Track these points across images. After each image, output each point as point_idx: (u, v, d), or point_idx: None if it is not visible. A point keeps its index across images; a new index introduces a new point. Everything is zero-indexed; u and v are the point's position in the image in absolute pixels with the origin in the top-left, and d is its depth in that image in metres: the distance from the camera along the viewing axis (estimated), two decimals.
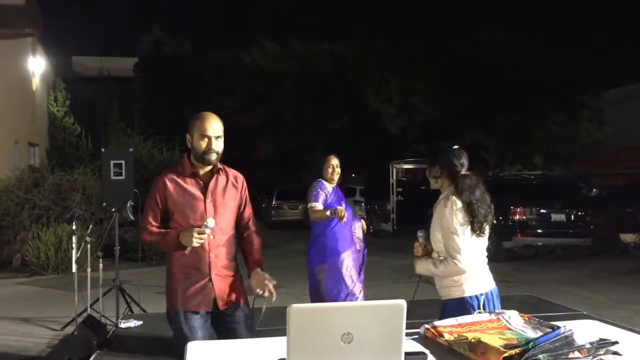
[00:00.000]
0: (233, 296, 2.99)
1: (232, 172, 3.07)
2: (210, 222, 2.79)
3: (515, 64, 19.18)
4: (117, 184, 6.39)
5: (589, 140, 20.18)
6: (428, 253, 3.14)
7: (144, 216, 3.03)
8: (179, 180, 2.96)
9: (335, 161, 4.93)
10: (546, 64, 19.24)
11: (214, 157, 2.92)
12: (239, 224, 3.10)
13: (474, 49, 20.26)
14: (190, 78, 25.31)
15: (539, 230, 11.86)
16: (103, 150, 6.87)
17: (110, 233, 6.54)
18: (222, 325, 2.99)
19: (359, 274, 4.98)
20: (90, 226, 6.38)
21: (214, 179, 2.97)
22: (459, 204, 2.96)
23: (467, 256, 2.93)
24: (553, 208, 12.02)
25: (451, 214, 2.94)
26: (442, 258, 2.98)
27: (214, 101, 24.52)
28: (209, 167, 2.98)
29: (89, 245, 6.08)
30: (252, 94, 23.99)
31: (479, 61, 19.59)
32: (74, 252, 6.12)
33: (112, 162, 6.44)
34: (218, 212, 2.93)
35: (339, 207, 4.62)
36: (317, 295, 4.82)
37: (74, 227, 6.17)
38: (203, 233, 2.77)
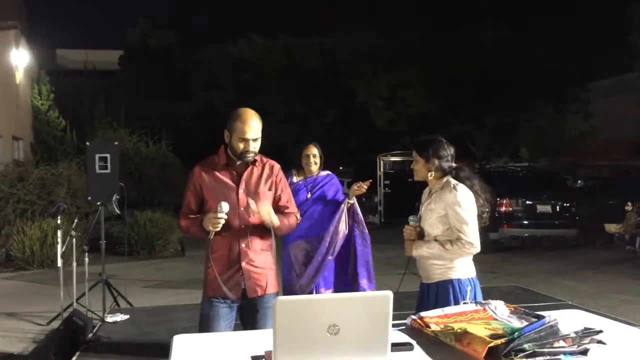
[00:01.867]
0: (263, 286, 3.01)
1: (268, 162, 3.11)
2: (225, 206, 2.85)
3: (502, 57, 19.24)
4: (102, 178, 6.34)
5: (576, 132, 20.31)
6: (420, 237, 3.19)
7: (183, 204, 3.11)
8: (214, 171, 3.03)
9: (312, 150, 4.67)
10: (534, 57, 19.31)
11: (250, 157, 2.98)
12: (276, 212, 3.10)
13: (463, 42, 20.29)
14: (177, 71, 25.16)
15: (525, 222, 11.94)
16: (88, 143, 6.81)
17: (97, 227, 6.49)
18: (250, 316, 3.01)
19: (310, 278, 4.54)
20: (76, 220, 6.32)
21: (248, 169, 3.02)
22: (466, 188, 3.08)
23: (477, 234, 3.03)
24: (539, 199, 12.11)
25: (463, 196, 3.04)
26: (452, 239, 3.02)
27: (201, 95, 24.46)
28: (244, 159, 3.02)
29: (74, 240, 6.03)
30: (240, 87, 23.89)
31: (467, 55, 19.63)
32: (59, 246, 6.07)
33: (97, 156, 6.39)
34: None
35: None
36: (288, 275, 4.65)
37: (59, 222, 6.12)
38: (219, 218, 2.84)
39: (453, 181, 3.12)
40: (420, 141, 3.23)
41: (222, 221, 2.85)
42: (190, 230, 3.04)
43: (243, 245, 2.97)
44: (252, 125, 2.93)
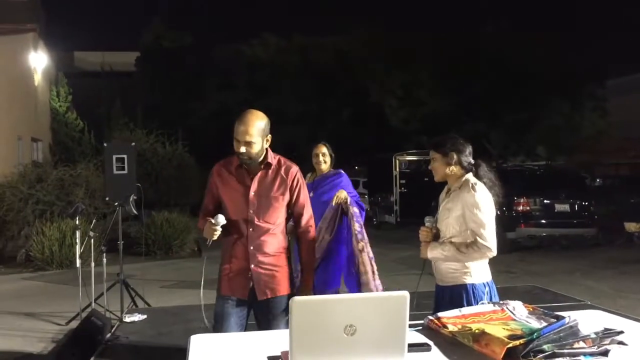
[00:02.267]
0: (274, 288, 2.99)
1: (285, 165, 3.05)
2: (220, 219, 2.86)
3: (518, 54, 19.08)
4: (119, 179, 6.39)
5: (593, 130, 20.09)
6: (435, 238, 3.15)
7: (202, 204, 3.14)
8: (229, 172, 3.03)
9: (321, 149, 4.73)
10: (549, 54, 19.13)
11: (245, 159, 2.93)
12: (294, 217, 3.11)
13: (477, 40, 20.16)
14: (192, 72, 25.29)
15: (543, 221, 11.83)
16: (105, 144, 6.87)
17: (114, 227, 6.54)
18: (263, 317, 3.01)
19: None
20: (94, 221, 6.38)
21: (262, 172, 3.00)
22: (485, 188, 3.04)
23: (494, 238, 2.98)
24: (557, 198, 11.99)
25: (482, 197, 2.99)
26: (468, 242, 2.98)
27: (216, 95, 24.57)
28: (257, 162, 2.99)
29: (92, 240, 6.08)
30: (254, 87, 23.96)
31: (481, 52, 19.50)
32: (77, 247, 6.13)
33: (114, 157, 6.44)
34: (262, 205, 2.96)
35: None
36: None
37: (77, 222, 6.18)
38: (214, 228, 2.85)
39: (472, 180, 3.06)
40: (437, 139, 3.20)
41: (218, 232, 2.87)
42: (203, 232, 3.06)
43: (252, 247, 2.95)
44: (246, 128, 2.88)
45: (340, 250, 4.65)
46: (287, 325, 2.89)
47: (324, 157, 4.72)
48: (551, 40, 19.68)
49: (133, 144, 7.05)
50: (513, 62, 18.91)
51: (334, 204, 4.56)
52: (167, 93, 24.60)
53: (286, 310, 2.93)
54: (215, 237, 2.88)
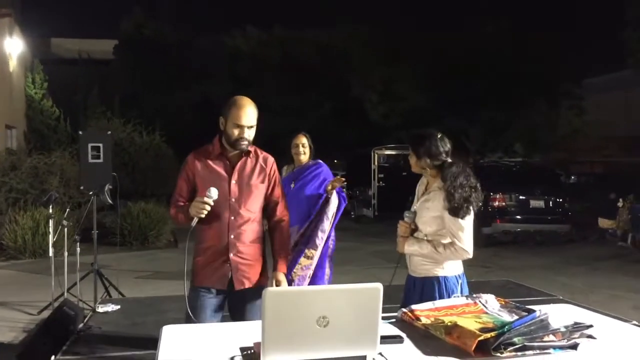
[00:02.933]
0: (251, 278, 2.99)
1: (262, 154, 3.08)
2: (214, 192, 2.81)
3: (497, 53, 19.23)
4: (95, 168, 6.30)
5: (569, 128, 20.36)
6: (413, 233, 3.17)
7: (174, 192, 3.07)
8: (207, 160, 3.00)
9: (301, 140, 4.68)
10: (528, 53, 19.32)
11: (245, 145, 2.94)
12: (267, 207, 3.10)
13: (457, 37, 20.27)
14: (173, 62, 25.04)
15: (518, 217, 11.98)
16: (81, 133, 6.76)
17: (89, 217, 6.46)
18: (238, 308, 3.00)
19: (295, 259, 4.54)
20: (68, 210, 6.29)
21: (242, 160, 2.99)
22: None
23: (471, 240, 2.99)
24: (532, 195, 12.14)
25: None
26: (445, 242, 2.97)
27: (196, 86, 24.36)
28: (237, 150, 2.99)
29: (66, 229, 6.00)
30: (235, 79, 23.81)
31: (461, 50, 19.61)
32: (50, 236, 6.05)
33: (90, 145, 6.34)
34: (243, 193, 2.96)
35: None
36: None
37: (50, 211, 6.09)
38: (206, 203, 2.79)
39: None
40: (415, 136, 3.16)
41: (208, 208, 2.81)
42: (179, 218, 3.00)
43: (232, 236, 2.94)
44: (248, 112, 2.91)
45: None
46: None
47: (304, 148, 4.66)
48: (530, 39, 19.86)
49: (109, 132, 6.95)
50: (492, 60, 19.06)
51: (330, 188, 4.56)
52: (146, 83, 24.31)
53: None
54: (203, 214, 2.81)
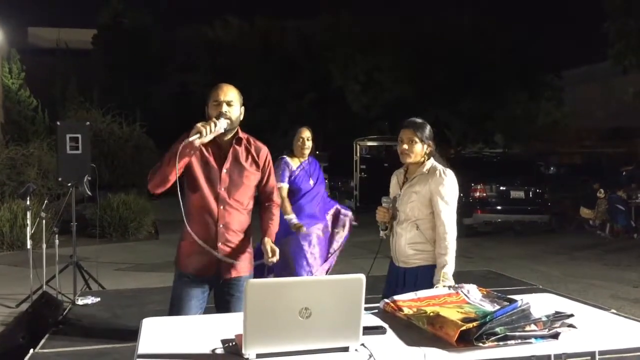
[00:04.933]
0: (239, 268, 2.95)
1: (254, 144, 3.00)
2: (223, 122, 2.76)
3: (478, 43, 19.30)
4: (73, 159, 6.21)
5: (549, 119, 20.54)
6: (392, 218, 3.20)
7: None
8: (202, 147, 2.88)
9: (306, 133, 4.63)
10: (508, 43, 19.42)
11: (227, 121, 2.83)
12: (261, 196, 3.08)
13: (438, 27, 20.31)
14: (152, 52, 24.77)
15: (499, 207, 12.08)
16: (59, 123, 6.65)
17: (68, 209, 6.37)
18: (223, 297, 2.96)
19: (324, 257, 4.69)
20: (46, 201, 6.20)
21: (232, 149, 2.92)
22: (452, 174, 3.11)
23: (455, 225, 3.09)
24: (512, 185, 12.25)
25: (454, 184, 3.07)
26: (448, 247, 3.00)
27: (177, 76, 24.15)
28: (230, 135, 2.92)
29: (44, 221, 5.92)
30: (215, 69, 23.62)
31: (442, 40, 19.65)
32: (28, 228, 5.97)
33: (68, 136, 6.24)
34: (233, 183, 2.91)
35: (296, 224, 4.39)
36: (283, 268, 4.53)
37: (28, 203, 6.00)
38: (214, 123, 2.72)
39: (440, 166, 3.12)
40: (418, 122, 3.17)
41: (214, 128, 2.72)
42: (160, 171, 2.79)
43: (221, 225, 2.90)
44: (224, 88, 2.88)
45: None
46: None
47: (309, 142, 4.64)
48: (510, 29, 19.97)
49: (88, 123, 6.83)
50: (473, 50, 19.13)
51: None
52: (126, 73, 24.03)
53: None
54: (207, 134, 2.68)
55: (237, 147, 2.94)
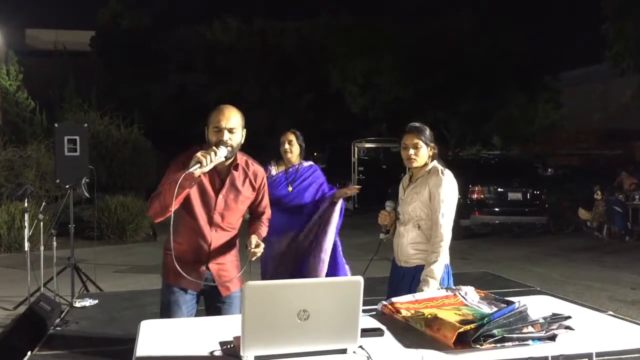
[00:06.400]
0: (233, 282, 2.95)
1: (252, 167, 2.93)
2: (223, 151, 2.65)
3: (476, 45, 19.32)
4: (71, 160, 6.20)
5: (547, 121, 20.57)
6: (394, 222, 3.24)
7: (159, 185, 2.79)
8: None
9: (288, 137, 4.34)
10: (507, 45, 19.44)
11: (227, 150, 2.72)
12: (253, 214, 3.06)
13: (437, 29, 20.32)
14: (150, 53, 24.74)
15: (496, 209, 12.09)
16: (57, 125, 6.65)
17: (65, 211, 6.37)
18: (215, 308, 2.95)
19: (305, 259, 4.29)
20: (43, 203, 6.19)
21: (230, 174, 2.85)
22: (451, 174, 3.14)
23: (451, 224, 3.11)
24: (510, 187, 12.26)
25: (452, 184, 3.09)
26: (439, 244, 3.01)
27: (175, 77, 24.13)
28: (229, 162, 2.83)
29: (42, 223, 5.91)
30: (214, 71, 23.62)
31: (441, 42, 19.67)
32: (26, 230, 5.96)
33: (66, 138, 6.23)
34: (228, 208, 2.86)
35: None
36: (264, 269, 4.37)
37: (26, 205, 5.99)
38: (214, 152, 2.60)
39: (440, 166, 3.16)
40: (420, 126, 3.20)
41: (214, 158, 2.60)
42: (160, 199, 2.69)
43: (212, 247, 2.88)
44: (227, 114, 2.73)
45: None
46: (239, 312, 2.89)
47: (291, 146, 4.33)
48: (509, 31, 19.98)
49: (85, 125, 6.83)
50: (472, 52, 19.15)
51: (338, 195, 4.42)
52: (124, 74, 24.01)
53: (238, 303, 2.92)
54: (208, 164, 2.56)
55: (234, 172, 2.87)
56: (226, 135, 2.71)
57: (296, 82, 23.09)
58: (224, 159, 2.70)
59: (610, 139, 22.04)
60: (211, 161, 2.59)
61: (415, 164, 3.17)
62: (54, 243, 5.96)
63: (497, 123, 19.92)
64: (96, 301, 5.53)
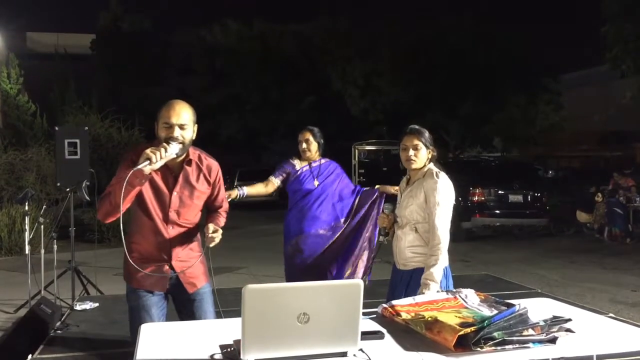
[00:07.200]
0: (199, 279, 2.92)
1: (206, 162, 2.88)
2: (174, 147, 2.60)
3: (476, 47, 19.33)
4: (72, 164, 6.21)
5: (547, 123, 20.57)
6: (392, 225, 3.25)
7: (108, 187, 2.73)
8: None
9: (305, 136, 4.47)
10: (507, 47, 19.44)
11: (179, 146, 2.66)
12: (210, 208, 3.01)
13: (437, 31, 20.33)
14: (151, 56, 24.79)
15: (497, 211, 12.08)
16: (57, 128, 6.65)
17: (66, 214, 6.37)
18: (185, 307, 2.93)
19: (338, 260, 4.34)
20: (44, 207, 6.19)
21: (183, 171, 2.80)
22: (447, 177, 3.14)
23: (448, 227, 3.10)
24: (511, 189, 12.26)
25: (447, 187, 3.09)
26: (437, 246, 3.01)
27: (175, 80, 24.16)
28: (181, 158, 2.78)
29: (42, 227, 5.91)
30: (214, 73, 23.65)
31: (441, 44, 19.68)
32: (27, 233, 5.96)
33: (66, 141, 6.24)
34: (183, 205, 2.82)
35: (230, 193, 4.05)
36: (290, 267, 4.49)
37: (26, 208, 6.00)
38: (164, 148, 2.56)
39: (435, 169, 3.16)
40: (420, 128, 3.21)
41: (164, 154, 2.55)
42: (109, 200, 2.63)
43: (172, 245, 2.83)
44: (177, 109, 2.66)
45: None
46: (213, 313, 2.89)
47: (308, 144, 4.46)
48: (509, 33, 20.00)
49: (86, 128, 6.84)
50: (472, 54, 19.15)
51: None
52: (125, 77, 24.05)
53: (209, 299, 2.92)
54: (158, 160, 2.51)
55: (187, 167, 2.81)
56: (177, 132, 2.65)
57: (297, 84, 23.11)
58: (175, 156, 2.65)
59: (610, 140, 22.03)
60: (161, 157, 2.54)
61: (414, 165, 3.18)
62: (55, 246, 5.96)
63: (497, 125, 19.92)
64: (97, 304, 5.52)
